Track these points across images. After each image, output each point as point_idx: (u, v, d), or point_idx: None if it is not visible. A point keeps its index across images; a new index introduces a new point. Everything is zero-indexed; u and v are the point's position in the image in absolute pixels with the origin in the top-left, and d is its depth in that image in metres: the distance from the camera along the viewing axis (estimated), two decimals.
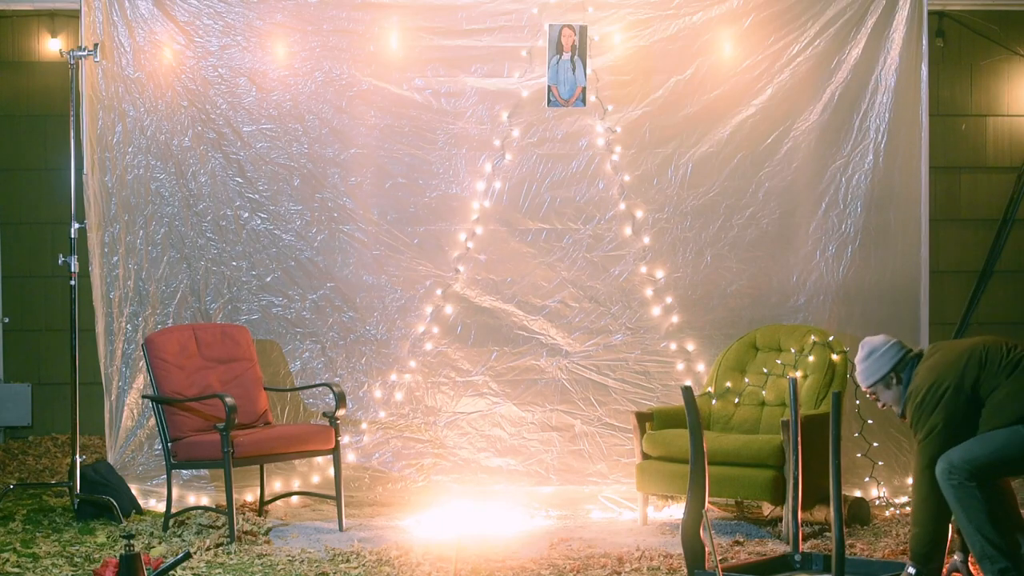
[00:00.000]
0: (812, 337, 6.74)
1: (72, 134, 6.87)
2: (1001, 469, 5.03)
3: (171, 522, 6.44)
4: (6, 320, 8.56)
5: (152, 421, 6.86)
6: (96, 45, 6.85)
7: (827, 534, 6.36)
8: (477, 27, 7.17)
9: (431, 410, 7.17)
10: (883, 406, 5.32)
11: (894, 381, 5.18)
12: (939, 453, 4.93)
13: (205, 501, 6.85)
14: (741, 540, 6.23)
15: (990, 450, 4.96)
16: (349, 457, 7.05)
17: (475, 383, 7.17)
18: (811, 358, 6.70)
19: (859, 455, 7.00)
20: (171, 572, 5.25)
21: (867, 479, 7.04)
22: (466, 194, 7.21)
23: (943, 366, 5.04)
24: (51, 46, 8.33)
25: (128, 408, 7.01)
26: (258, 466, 6.74)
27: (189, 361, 6.72)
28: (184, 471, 6.83)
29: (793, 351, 6.78)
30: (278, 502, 6.92)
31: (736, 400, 6.82)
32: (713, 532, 6.28)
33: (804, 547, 6.06)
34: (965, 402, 4.97)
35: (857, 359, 5.29)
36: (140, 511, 6.75)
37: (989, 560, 5.00)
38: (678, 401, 7.01)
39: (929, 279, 7.27)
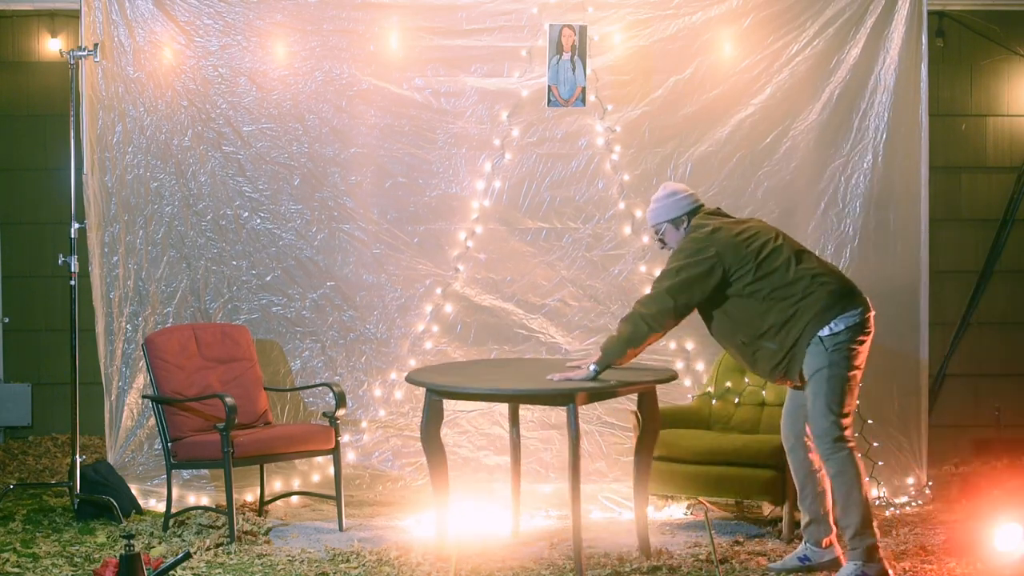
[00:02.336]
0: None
1: (72, 134, 6.87)
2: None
3: (171, 522, 6.44)
4: (6, 320, 8.56)
5: (152, 421, 6.87)
6: (96, 45, 6.86)
7: None
8: (477, 27, 7.17)
9: None
10: (663, 247, 5.75)
11: (684, 225, 5.65)
12: (665, 293, 5.44)
13: (205, 501, 6.85)
14: (741, 540, 6.23)
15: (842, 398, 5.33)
16: (349, 456, 7.06)
17: None
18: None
19: (859, 455, 6.99)
20: (171, 572, 5.25)
21: (867, 479, 7.02)
22: (466, 193, 7.21)
23: (723, 236, 5.49)
24: (51, 46, 8.33)
25: (128, 408, 7.01)
26: (258, 466, 6.74)
27: (189, 361, 6.72)
28: (184, 471, 6.83)
29: None
30: (278, 502, 6.93)
31: (736, 400, 6.82)
32: (714, 532, 6.30)
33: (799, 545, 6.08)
34: (712, 275, 5.44)
35: (656, 196, 5.75)
36: (140, 511, 6.76)
37: (867, 527, 5.37)
38: (678, 400, 7.02)
39: (929, 279, 7.28)
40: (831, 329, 5.34)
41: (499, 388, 5.74)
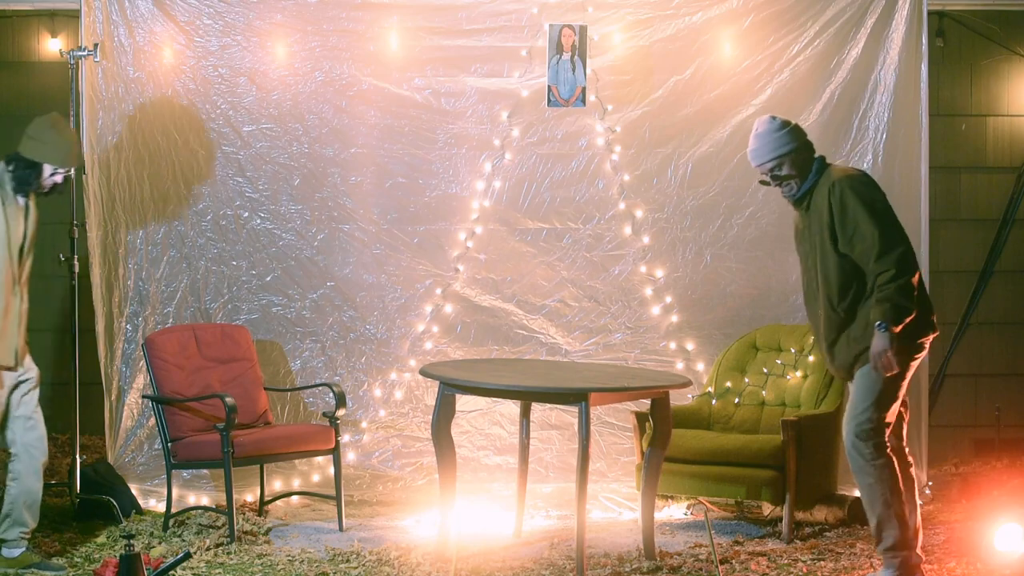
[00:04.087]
0: (812, 337, 6.73)
1: None
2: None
3: (171, 522, 6.44)
4: None
5: (152, 421, 6.87)
6: (96, 45, 6.85)
7: (827, 534, 6.36)
8: (477, 27, 7.17)
9: (431, 409, 7.14)
10: (780, 183, 5.35)
11: (804, 157, 5.30)
12: (911, 252, 5.14)
13: (205, 501, 6.85)
14: (741, 540, 6.23)
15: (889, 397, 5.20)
16: (349, 456, 7.06)
17: None
18: (811, 358, 6.71)
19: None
20: (171, 572, 5.25)
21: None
22: (466, 193, 7.21)
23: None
24: (51, 46, 8.32)
25: (128, 408, 7.01)
26: (258, 466, 6.74)
27: (189, 361, 6.72)
28: (184, 471, 6.83)
29: (793, 351, 6.79)
30: (278, 502, 6.92)
31: (736, 400, 6.82)
32: (714, 532, 6.30)
33: (804, 547, 6.08)
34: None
35: (766, 129, 5.34)
36: (140, 511, 6.76)
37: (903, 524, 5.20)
38: (678, 400, 7.02)
39: (929, 279, 7.27)
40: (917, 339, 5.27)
41: (515, 384, 5.76)
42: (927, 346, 5.32)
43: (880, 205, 5.19)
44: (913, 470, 5.49)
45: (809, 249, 5.38)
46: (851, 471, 5.36)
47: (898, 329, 5.06)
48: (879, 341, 5.08)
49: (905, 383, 5.29)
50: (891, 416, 5.29)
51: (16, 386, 5.65)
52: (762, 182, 5.43)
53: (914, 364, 5.29)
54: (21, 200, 5.65)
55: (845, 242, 5.19)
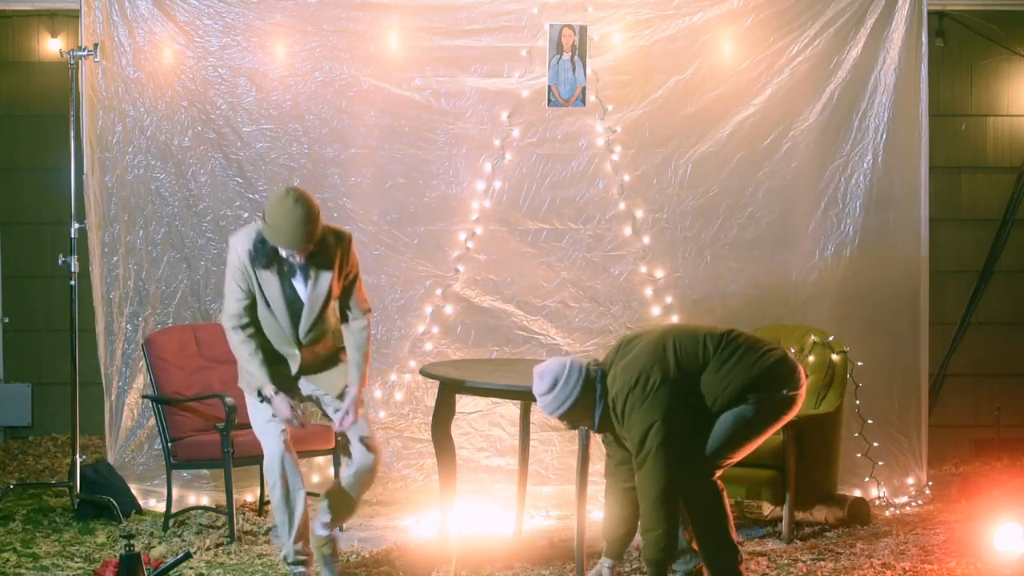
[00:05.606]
0: (812, 337, 6.74)
1: (72, 134, 6.87)
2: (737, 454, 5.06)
3: (171, 522, 6.44)
4: (6, 320, 8.56)
5: (152, 421, 6.87)
6: (96, 45, 6.85)
7: (827, 534, 6.36)
8: (477, 27, 7.17)
9: (431, 410, 7.14)
10: (573, 428, 5.25)
11: (586, 402, 5.02)
12: (668, 450, 4.81)
13: (205, 501, 6.85)
14: (741, 540, 6.23)
15: (729, 439, 4.96)
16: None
17: None
18: (811, 358, 6.71)
19: (859, 455, 7.01)
20: (171, 572, 5.25)
21: (867, 479, 7.04)
22: (466, 194, 7.21)
23: (640, 360, 4.94)
24: (51, 46, 8.33)
25: (128, 408, 7.01)
26: (258, 466, 6.72)
27: (189, 361, 6.72)
28: (184, 471, 6.82)
29: (793, 351, 6.78)
30: None
31: None
32: None
33: (804, 547, 6.08)
34: (677, 389, 4.90)
35: (538, 391, 5.08)
36: (140, 511, 6.76)
37: (730, 554, 5.06)
38: None
39: (929, 279, 7.28)
40: None
41: (515, 384, 5.76)
42: (789, 406, 5.09)
43: (641, 416, 4.89)
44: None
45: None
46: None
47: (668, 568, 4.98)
48: None
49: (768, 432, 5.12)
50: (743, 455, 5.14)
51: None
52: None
53: (770, 429, 5.09)
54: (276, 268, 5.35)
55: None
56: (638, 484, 4.93)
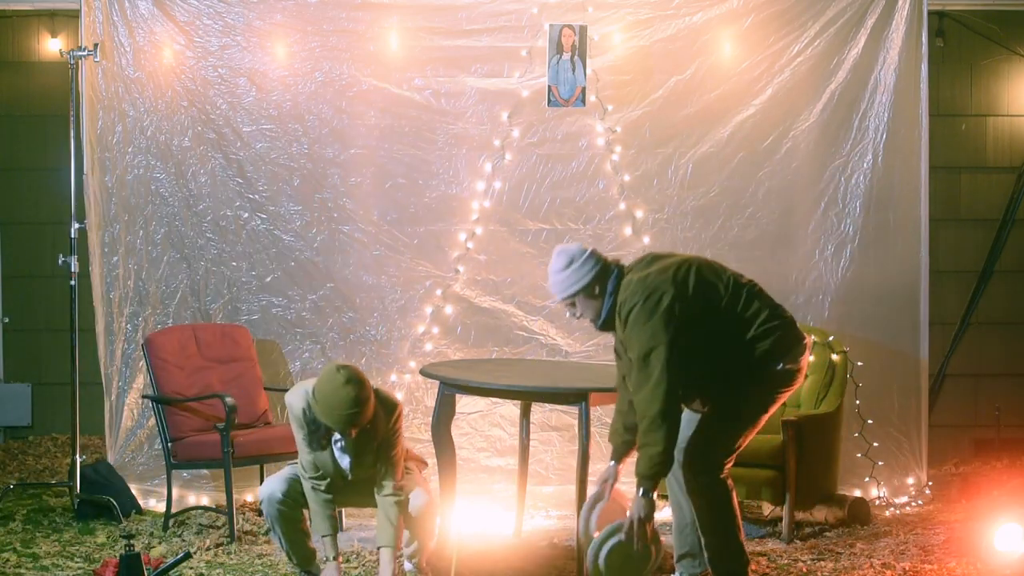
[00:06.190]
0: (812, 337, 6.73)
1: (72, 134, 6.87)
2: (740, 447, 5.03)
3: (171, 522, 6.44)
4: (6, 320, 8.56)
5: (152, 421, 6.87)
6: (96, 45, 6.86)
7: (827, 534, 6.36)
8: (477, 27, 7.17)
9: (431, 410, 7.13)
10: (578, 316, 5.09)
11: (596, 290, 4.96)
12: (670, 374, 4.69)
13: (205, 501, 6.85)
14: None
15: (730, 426, 4.94)
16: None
17: None
18: (811, 358, 6.70)
19: (859, 455, 7.01)
20: (171, 572, 5.25)
21: (867, 479, 7.05)
22: (466, 194, 7.21)
23: (658, 277, 4.86)
24: (51, 46, 8.33)
25: (128, 408, 7.01)
26: (258, 466, 6.74)
27: (189, 361, 6.72)
28: (184, 471, 6.82)
29: None
30: None
31: None
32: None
33: (804, 547, 6.08)
34: (685, 316, 4.79)
35: (553, 269, 5.01)
36: (140, 511, 6.76)
37: (737, 556, 4.99)
38: None
39: (929, 279, 7.28)
40: None
41: (515, 384, 5.75)
42: (789, 379, 5.02)
43: (647, 333, 4.77)
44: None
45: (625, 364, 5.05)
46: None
47: (655, 489, 4.80)
48: (634, 506, 4.79)
49: (763, 418, 5.06)
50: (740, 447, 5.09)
51: None
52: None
53: (772, 405, 5.02)
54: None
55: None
56: (637, 403, 4.82)
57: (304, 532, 5.36)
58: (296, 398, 5.18)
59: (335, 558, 5.21)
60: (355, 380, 4.98)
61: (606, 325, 5.03)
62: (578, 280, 4.96)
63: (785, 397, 5.09)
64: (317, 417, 5.04)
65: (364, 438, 5.14)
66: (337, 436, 5.13)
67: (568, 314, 5.13)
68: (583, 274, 4.96)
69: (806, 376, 6.66)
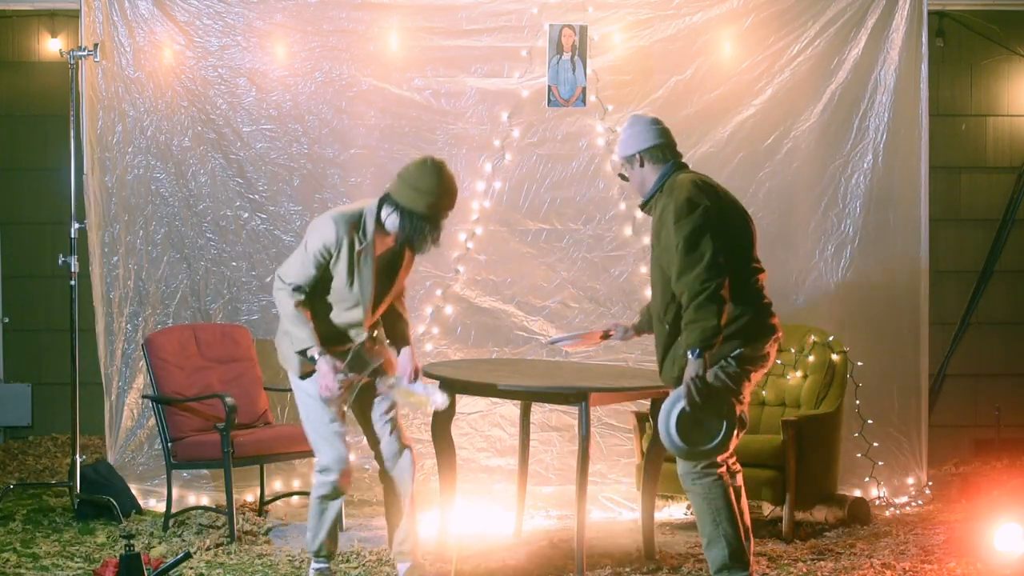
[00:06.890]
0: (812, 337, 6.74)
1: (72, 134, 6.87)
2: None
3: (171, 522, 6.44)
4: (6, 320, 8.56)
5: (152, 421, 6.87)
6: (96, 45, 6.86)
7: (827, 534, 6.37)
8: (477, 27, 7.17)
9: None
10: (626, 179, 5.21)
11: (653, 161, 5.08)
12: (715, 251, 4.81)
13: (205, 501, 6.85)
14: None
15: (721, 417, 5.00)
16: (350, 457, 7.03)
17: None
18: (811, 358, 6.71)
19: (859, 455, 7.01)
20: (171, 572, 5.25)
21: (867, 479, 7.05)
22: (466, 194, 7.20)
23: (705, 192, 4.95)
24: (51, 46, 8.33)
25: (128, 408, 7.01)
26: (258, 466, 6.74)
27: (189, 361, 6.72)
28: (184, 471, 6.82)
29: (793, 351, 6.78)
30: (278, 502, 6.92)
31: None
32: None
33: (804, 547, 6.08)
34: (725, 224, 4.93)
35: (624, 127, 5.19)
36: (140, 511, 6.76)
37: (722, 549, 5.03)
38: None
39: (929, 279, 7.28)
40: None
41: (515, 384, 5.75)
42: (762, 355, 5.04)
43: (693, 224, 4.87)
44: (740, 477, 5.30)
45: (652, 258, 5.16)
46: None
47: (713, 351, 4.87)
48: (689, 367, 4.87)
49: (741, 401, 5.08)
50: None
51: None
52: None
53: (747, 383, 5.05)
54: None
55: (662, 257, 5.02)
56: (684, 286, 4.85)
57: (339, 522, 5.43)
58: (347, 217, 5.19)
59: (323, 354, 5.15)
60: (444, 163, 5.22)
61: (647, 205, 5.13)
62: (638, 143, 5.09)
63: (756, 379, 5.10)
64: (416, 209, 5.11)
65: (395, 259, 5.29)
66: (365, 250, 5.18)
67: (620, 176, 5.25)
68: (645, 139, 5.08)
69: (805, 376, 6.70)
